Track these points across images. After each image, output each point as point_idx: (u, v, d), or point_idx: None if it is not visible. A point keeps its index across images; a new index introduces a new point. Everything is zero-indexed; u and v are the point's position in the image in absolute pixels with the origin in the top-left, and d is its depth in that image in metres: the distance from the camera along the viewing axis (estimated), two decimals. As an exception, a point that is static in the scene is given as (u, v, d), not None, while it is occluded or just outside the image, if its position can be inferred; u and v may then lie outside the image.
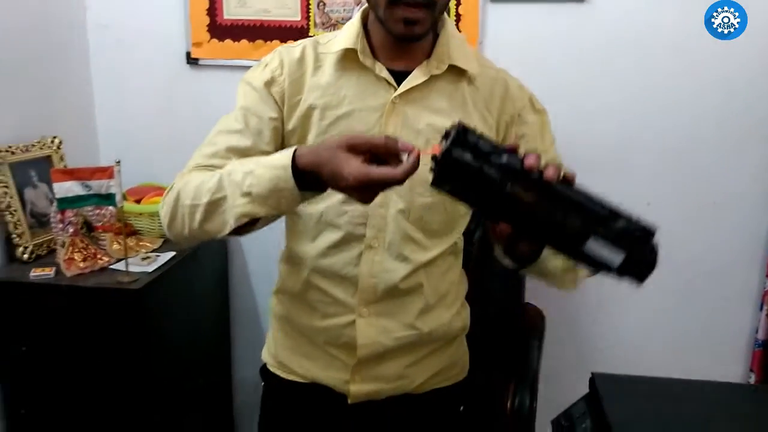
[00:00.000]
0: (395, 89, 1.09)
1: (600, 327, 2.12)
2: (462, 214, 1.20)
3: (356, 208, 1.10)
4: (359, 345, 1.16)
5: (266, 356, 1.32)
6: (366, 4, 1.12)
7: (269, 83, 1.11)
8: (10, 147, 1.71)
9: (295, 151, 0.91)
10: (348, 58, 1.11)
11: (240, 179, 0.95)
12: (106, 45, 2.08)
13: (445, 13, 1.15)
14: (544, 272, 1.09)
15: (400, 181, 0.82)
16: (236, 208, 0.95)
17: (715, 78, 1.91)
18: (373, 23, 1.12)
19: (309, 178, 0.90)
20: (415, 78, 1.09)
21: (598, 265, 0.78)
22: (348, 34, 1.11)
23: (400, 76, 1.10)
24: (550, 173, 0.77)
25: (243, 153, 1.08)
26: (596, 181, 1.88)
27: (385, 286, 1.14)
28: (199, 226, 1.01)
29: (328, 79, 1.11)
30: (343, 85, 1.10)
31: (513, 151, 0.77)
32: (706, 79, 1.91)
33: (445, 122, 1.04)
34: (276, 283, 1.28)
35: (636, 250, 0.77)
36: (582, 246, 0.76)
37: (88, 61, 2.10)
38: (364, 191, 0.86)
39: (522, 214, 0.77)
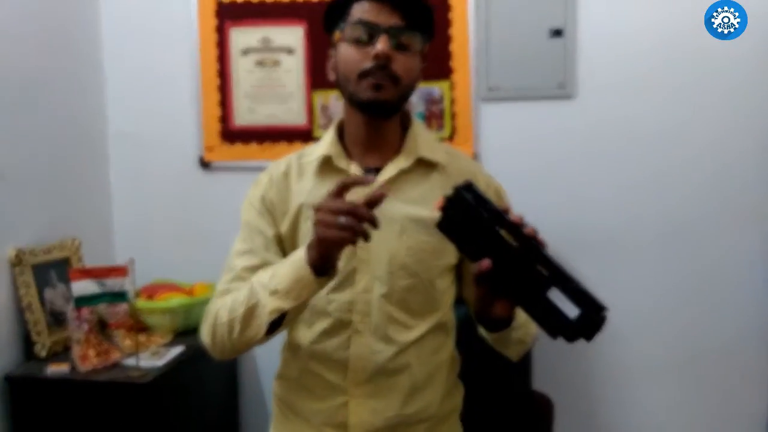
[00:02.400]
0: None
1: (609, 413, 2.12)
2: (442, 291, 1.26)
3: (342, 296, 1.19)
4: (350, 425, 1.21)
5: None
6: (341, 116, 1.27)
7: (262, 198, 1.26)
8: (33, 249, 1.82)
9: (307, 247, 1.06)
10: (326, 163, 1.24)
11: (266, 282, 1.10)
12: (125, 151, 2.23)
13: (412, 112, 1.26)
14: (506, 342, 1.16)
15: (354, 182, 1.03)
16: (266, 306, 1.08)
17: (702, 160, 2.00)
18: (348, 122, 1.25)
19: (320, 265, 1.04)
20: (386, 173, 1.21)
21: (555, 314, 0.88)
22: (324, 144, 1.25)
23: (374, 172, 1.21)
24: (529, 230, 0.91)
25: (256, 269, 1.21)
26: (595, 266, 1.98)
27: (373, 367, 1.20)
28: (239, 335, 1.13)
29: (310, 184, 1.24)
30: (324, 187, 1.20)
31: (504, 210, 0.94)
32: (692, 162, 2.00)
33: (419, 211, 1.17)
34: (278, 369, 1.35)
35: (590, 311, 0.87)
36: (546, 292, 0.88)
37: (108, 167, 2.24)
38: (328, 219, 0.99)
39: (504, 253, 0.91)
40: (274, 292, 1.07)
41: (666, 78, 1.98)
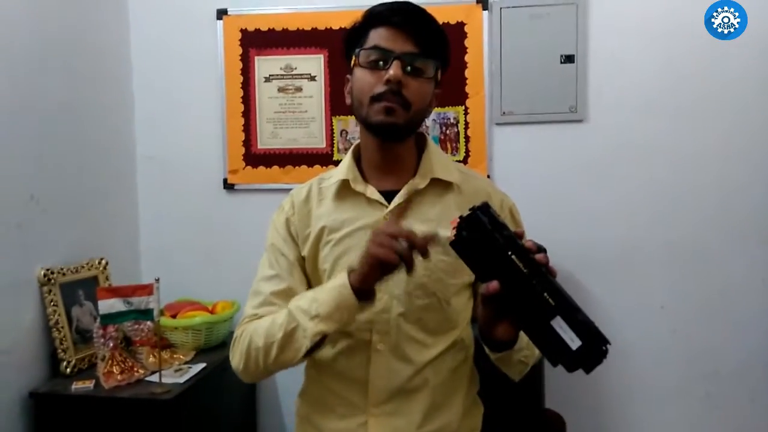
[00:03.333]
0: (387, 207, 1.23)
1: (620, 431, 2.12)
2: (459, 309, 1.27)
3: (362, 315, 1.19)
4: None
5: None
6: (357, 141, 1.31)
7: (286, 223, 1.30)
8: (62, 269, 1.87)
9: (348, 272, 1.09)
10: (344, 187, 1.27)
11: (306, 307, 1.12)
12: (152, 174, 2.30)
13: (428, 135, 1.29)
14: (508, 362, 1.20)
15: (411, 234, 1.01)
16: (308, 330, 1.11)
17: (712, 179, 2.02)
18: (364, 146, 1.28)
19: (361, 288, 1.08)
20: (402, 195, 1.23)
21: (557, 343, 0.89)
22: (342, 168, 1.29)
23: (391, 195, 1.24)
24: (541, 257, 0.92)
25: (284, 293, 1.25)
26: (605, 285, 1.99)
27: (392, 386, 1.21)
28: (275, 359, 1.16)
29: (329, 207, 1.27)
30: (343, 211, 1.25)
31: (518, 235, 0.95)
32: (702, 182, 2.03)
33: (435, 230, 1.15)
34: (301, 387, 1.36)
35: (592, 343, 0.88)
36: (550, 320, 0.89)
37: (136, 189, 2.31)
38: (384, 240, 1.02)
39: (514, 277, 0.92)
40: (315, 317, 1.10)
41: (673, 100, 2.02)
